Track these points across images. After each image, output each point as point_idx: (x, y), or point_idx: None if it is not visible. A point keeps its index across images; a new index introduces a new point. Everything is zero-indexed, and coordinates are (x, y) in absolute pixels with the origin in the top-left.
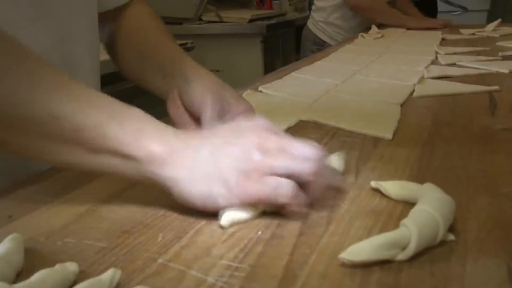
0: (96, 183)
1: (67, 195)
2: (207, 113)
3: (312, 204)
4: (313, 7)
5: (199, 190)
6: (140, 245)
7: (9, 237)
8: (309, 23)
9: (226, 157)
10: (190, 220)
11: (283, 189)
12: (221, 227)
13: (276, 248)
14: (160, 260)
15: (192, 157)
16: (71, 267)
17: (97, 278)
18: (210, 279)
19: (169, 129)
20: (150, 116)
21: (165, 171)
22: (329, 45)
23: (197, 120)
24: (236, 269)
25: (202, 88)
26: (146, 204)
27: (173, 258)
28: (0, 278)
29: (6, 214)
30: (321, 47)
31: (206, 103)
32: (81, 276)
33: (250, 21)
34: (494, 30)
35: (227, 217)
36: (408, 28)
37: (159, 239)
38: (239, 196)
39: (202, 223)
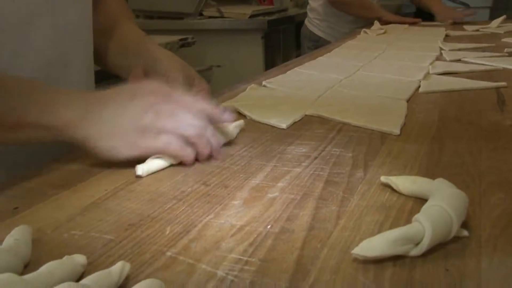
0: (101, 176)
1: (72, 187)
2: (176, 76)
3: (203, 161)
4: (308, 6)
5: (105, 145)
6: (148, 238)
7: (17, 228)
8: (306, 21)
9: (126, 117)
10: (198, 213)
11: (172, 146)
12: (137, 176)
13: (286, 242)
14: (168, 253)
15: (98, 118)
16: (79, 259)
17: (106, 270)
18: (220, 273)
19: (75, 94)
20: (55, 87)
21: (78, 133)
22: (324, 40)
23: None
24: (246, 263)
25: (172, 66)
26: (153, 196)
27: (182, 251)
28: (9, 269)
29: (12, 206)
30: (316, 43)
31: (178, 77)
32: (89, 268)
33: (251, 16)
34: (498, 26)
35: (141, 168)
36: (386, 21)
37: (167, 232)
38: (137, 149)
39: (210, 216)
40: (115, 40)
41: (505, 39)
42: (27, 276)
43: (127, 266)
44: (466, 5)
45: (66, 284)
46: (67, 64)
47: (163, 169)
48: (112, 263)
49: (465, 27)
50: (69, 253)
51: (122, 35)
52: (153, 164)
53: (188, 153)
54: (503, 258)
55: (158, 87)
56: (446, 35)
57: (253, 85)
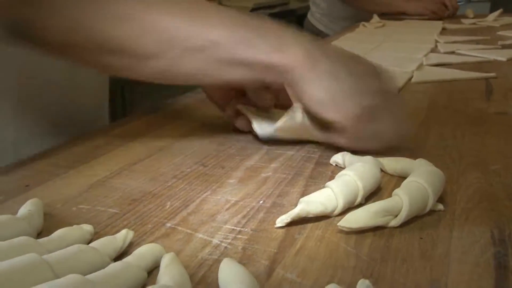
0: (106, 157)
1: (79, 167)
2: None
3: None
4: (310, 1)
5: (319, 98)
6: (150, 212)
7: (30, 201)
8: (309, 15)
9: (347, 78)
10: (196, 190)
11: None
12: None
13: (276, 215)
14: (168, 224)
15: (325, 65)
16: (87, 228)
17: (112, 236)
18: (215, 241)
19: (303, 36)
20: (283, 25)
21: (305, 75)
22: (326, 35)
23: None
24: (239, 232)
25: None
26: (154, 176)
27: (181, 223)
28: (24, 235)
29: (23, 184)
30: (318, 36)
31: None
32: (96, 237)
33: (253, 9)
34: (495, 20)
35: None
36: (412, 14)
37: (167, 206)
38: (347, 113)
39: (207, 193)
40: None
41: (500, 32)
42: (42, 240)
43: (131, 233)
44: None
45: (76, 246)
46: None
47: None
48: (117, 233)
49: (463, 20)
50: (78, 224)
51: None
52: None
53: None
54: (472, 228)
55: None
56: (443, 28)
57: None
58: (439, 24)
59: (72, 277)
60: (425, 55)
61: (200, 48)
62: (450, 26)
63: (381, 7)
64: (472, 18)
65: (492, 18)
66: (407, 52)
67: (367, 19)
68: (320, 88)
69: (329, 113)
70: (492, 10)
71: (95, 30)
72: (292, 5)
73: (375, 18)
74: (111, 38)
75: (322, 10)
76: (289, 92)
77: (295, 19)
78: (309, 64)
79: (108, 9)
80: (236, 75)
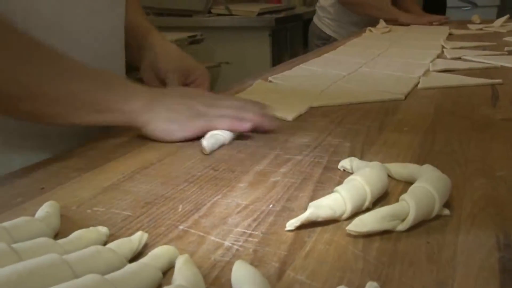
0: (118, 161)
1: (92, 170)
2: (170, 76)
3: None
4: (317, 4)
5: (162, 128)
6: (162, 214)
7: (47, 203)
8: (315, 19)
9: (180, 105)
10: (207, 194)
11: (217, 122)
12: (204, 152)
13: (286, 219)
14: (181, 227)
15: (158, 106)
16: (103, 229)
17: (127, 238)
18: (227, 243)
19: (142, 88)
20: (127, 79)
21: (142, 117)
22: (334, 39)
23: (163, 83)
24: (250, 235)
25: (166, 58)
26: (166, 179)
27: (193, 226)
28: (43, 236)
29: (39, 186)
30: (326, 41)
31: (169, 69)
32: (111, 239)
33: (259, 14)
34: (502, 25)
35: (207, 144)
36: (401, 24)
37: (180, 209)
38: (190, 130)
39: (218, 196)
40: (128, 34)
41: (507, 38)
42: (60, 241)
43: (145, 235)
44: (474, 4)
45: (94, 247)
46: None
47: (223, 144)
48: (131, 235)
49: (469, 26)
50: (93, 226)
51: (133, 29)
52: (214, 137)
53: (243, 117)
54: (478, 232)
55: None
56: (450, 34)
57: (259, 80)
58: (445, 30)
59: (91, 277)
60: (432, 61)
61: (62, 96)
62: (456, 31)
63: (381, 13)
64: (479, 23)
65: (499, 24)
66: (414, 58)
67: (376, 24)
68: (160, 121)
69: (175, 136)
70: (499, 15)
71: None
72: (298, 10)
73: (382, 23)
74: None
75: (330, 15)
76: (142, 131)
77: (302, 23)
78: (149, 106)
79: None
80: (90, 119)
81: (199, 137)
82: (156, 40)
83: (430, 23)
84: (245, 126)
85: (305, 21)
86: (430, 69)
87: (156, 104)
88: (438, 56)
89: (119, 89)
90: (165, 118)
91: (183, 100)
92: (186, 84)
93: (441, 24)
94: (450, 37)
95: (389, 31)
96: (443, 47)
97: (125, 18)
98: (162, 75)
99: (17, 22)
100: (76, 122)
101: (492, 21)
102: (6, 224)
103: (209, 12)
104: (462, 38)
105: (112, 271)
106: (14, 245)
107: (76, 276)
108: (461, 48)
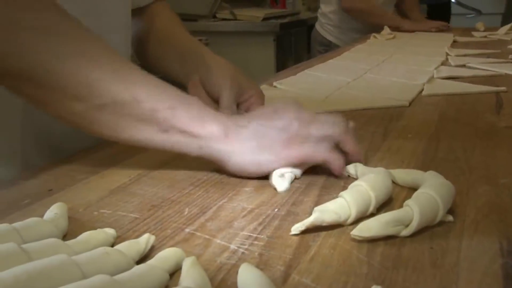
0: (125, 164)
1: (99, 173)
2: (226, 93)
3: (349, 162)
4: (319, 11)
5: (250, 159)
6: (169, 217)
7: (55, 205)
8: (317, 25)
9: (270, 130)
10: (213, 197)
11: (320, 148)
12: (277, 191)
13: (291, 223)
14: (187, 230)
15: (243, 133)
16: (110, 231)
17: (134, 240)
18: (233, 246)
19: (222, 114)
20: (203, 103)
21: (222, 146)
22: (336, 45)
23: (215, 101)
24: (256, 239)
25: (222, 73)
26: (172, 183)
27: (199, 229)
28: (51, 237)
29: (47, 188)
30: (328, 47)
31: (225, 85)
32: (118, 241)
33: (264, 19)
34: (506, 33)
35: (281, 184)
36: (403, 31)
37: (186, 212)
38: (284, 159)
39: (224, 200)
40: (172, 48)
41: (511, 45)
42: (69, 242)
43: (152, 238)
44: (478, 11)
45: (102, 248)
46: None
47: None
48: (138, 237)
49: (473, 33)
50: (101, 227)
51: (179, 43)
52: (287, 179)
53: (336, 157)
54: (481, 239)
55: (291, 103)
56: (454, 41)
57: (264, 85)
58: (450, 37)
59: (100, 278)
60: (436, 68)
61: (122, 102)
62: (461, 39)
63: (384, 21)
64: (483, 31)
65: (503, 32)
66: (418, 65)
67: (378, 30)
68: (241, 156)
69: (267, 169)
70: (503, 23)
71: (38, 62)
72: (303, 15)
73: (386, 29)
74: (47, 71)
75: (332, 21)
76: (221, 166)
77: (306, 29)
78: (225, 136)
79: (56, 44)
80: (146, 136)
81: None
82: (208, 54)
83: (430, 29)
84: (339, 165)
85: (310, 27)
86: (435, 76)
87: (239, 131)
88: (443, 63)
89: (193, 106)
90: (252, 146)
91: (276, 117)
92: (238, 104)
93: (442, 31)
94: (455, 44)
95: (394, 37)
96: (447, 54)
97: (154, 25)
98: (216, 92)
99: None
100: (123, 137)
101: (496, 29)
102: (16, 224)
103: (214, 16)
104: (467, 45)
105: (120, 272)
106: (24, 246)
107: (85, 276)
108: (465, 55)
